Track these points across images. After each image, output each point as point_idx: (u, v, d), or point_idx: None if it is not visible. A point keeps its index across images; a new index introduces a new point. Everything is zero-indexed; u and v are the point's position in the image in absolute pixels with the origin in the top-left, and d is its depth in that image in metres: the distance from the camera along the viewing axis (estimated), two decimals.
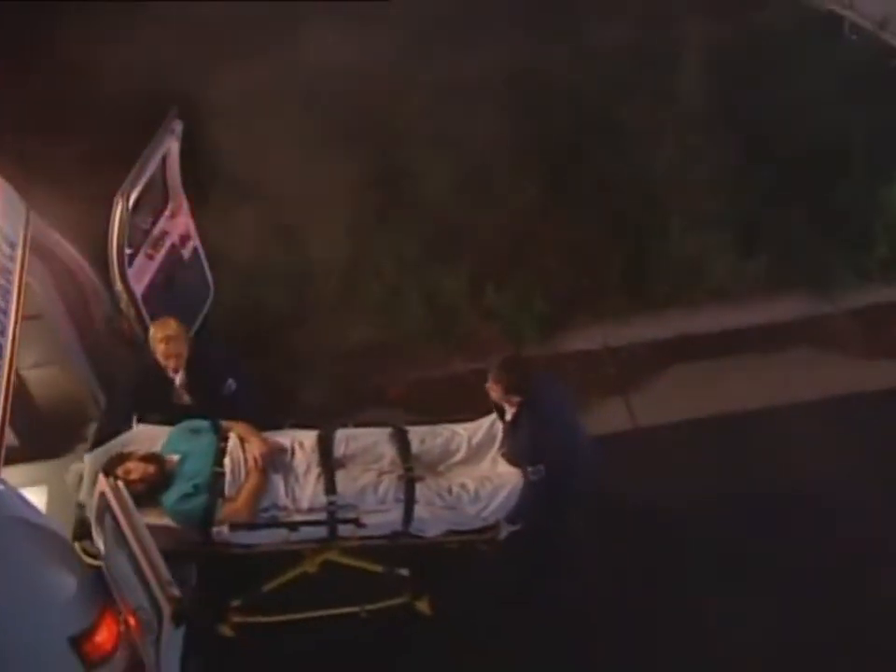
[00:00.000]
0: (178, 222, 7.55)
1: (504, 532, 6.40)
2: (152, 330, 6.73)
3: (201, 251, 7.85)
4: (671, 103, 9.83)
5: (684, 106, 9.80)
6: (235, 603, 6.81)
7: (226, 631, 6.82)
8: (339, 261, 9.02)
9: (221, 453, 6.30)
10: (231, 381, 6.72)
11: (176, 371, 6.71)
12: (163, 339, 6.61)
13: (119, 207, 6.62)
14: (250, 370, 7.25)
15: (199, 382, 6.75)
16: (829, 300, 8.89)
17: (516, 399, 6.28)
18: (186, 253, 7.66)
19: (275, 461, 6.28)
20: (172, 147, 7.09)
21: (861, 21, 9.88)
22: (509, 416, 6.40)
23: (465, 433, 6.54)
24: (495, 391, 6.30)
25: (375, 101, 9.70)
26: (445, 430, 6.57)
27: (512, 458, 6.36)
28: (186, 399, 6.82)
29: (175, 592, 5.32)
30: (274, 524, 6.15)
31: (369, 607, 6.84)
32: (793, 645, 6.86)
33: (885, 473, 7.76)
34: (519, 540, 6.61)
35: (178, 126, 7.04)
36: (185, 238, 7.63)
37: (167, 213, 7.46)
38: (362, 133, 9.38)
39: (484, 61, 9.77)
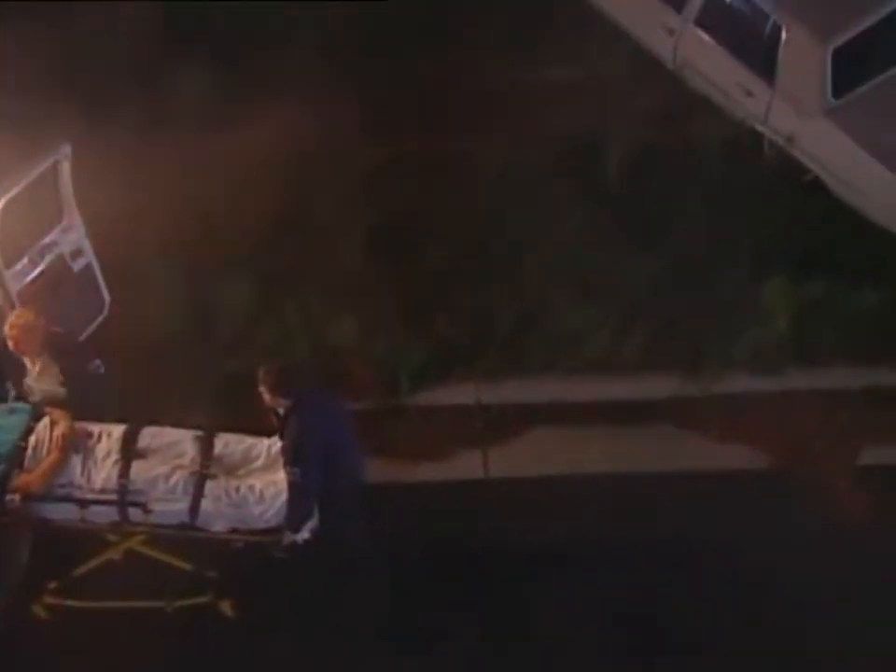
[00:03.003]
0: (71, 238, 8.29)
1: (287, 538, 6.86)
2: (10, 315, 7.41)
3: (96, 268, 8.57)
4: (587, 191, 10.40)
5: (596, 195, 10.36)
6: (51, 585, 7.34)
7: (39, 611, 7.34)
8: (243, 300, 9.66)
9: (29, 430, 6.94)
10: (97, 362, 7.39)
11: (22, 353, 7.35)
12: (9, 325, 7.30)
13: None
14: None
15: (68, 365, 7.37)
16: (696, 383, 9.27)
17: (284, 402, 6.76)
18: (76, 267, 8.39)
19: (79, 444, 6.87)
20: (61, 165, 7.86)
21: (775, 137, 10.31)
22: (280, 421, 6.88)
23: (267, 442, 7.06)
24: (265, 394, 6.78)
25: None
26: (251, 439, 7.10)
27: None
28: (35, 390, 7.43)
29: None
30: (64, 498, 6.70)
31: (176, 603, 7.32)
32: None
33: (709, 544, 8.21)
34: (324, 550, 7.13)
35: (66, 147, 7.81)
36: (77, 253, 8.37)
37: (59, 227, 8.21)
38: (283, 185, 10.09)
39: None
